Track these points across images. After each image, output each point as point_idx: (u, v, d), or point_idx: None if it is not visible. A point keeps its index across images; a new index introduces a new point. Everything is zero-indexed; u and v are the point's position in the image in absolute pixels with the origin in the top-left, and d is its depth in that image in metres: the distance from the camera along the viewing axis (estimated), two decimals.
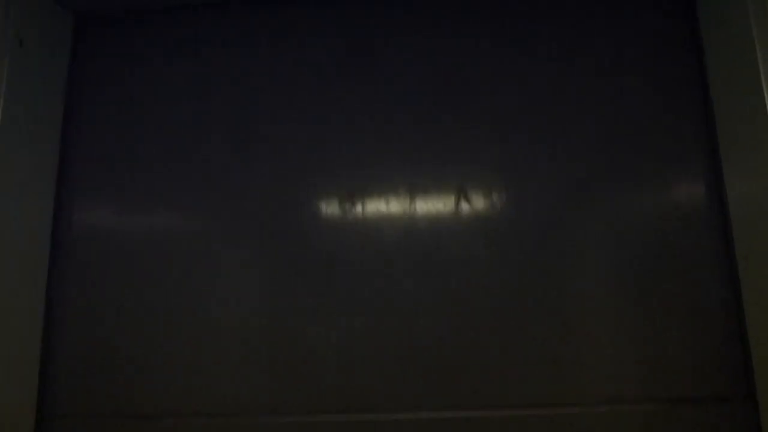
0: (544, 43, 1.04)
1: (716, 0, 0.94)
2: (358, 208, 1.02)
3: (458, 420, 0.92)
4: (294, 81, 1.08)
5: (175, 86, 1.11)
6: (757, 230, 0.84)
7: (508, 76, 1.03)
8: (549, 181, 0.99)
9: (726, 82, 0.91)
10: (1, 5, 0.96)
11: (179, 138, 1.09)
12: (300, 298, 1.00)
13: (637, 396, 0.90)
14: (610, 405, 0.90)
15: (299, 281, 1.00)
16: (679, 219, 0.95)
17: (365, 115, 1.05)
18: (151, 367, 1.00)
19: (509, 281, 0.96)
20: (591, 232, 0.96)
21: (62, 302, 1.05)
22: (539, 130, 1.01)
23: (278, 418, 0.96)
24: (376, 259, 0.99)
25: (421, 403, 0.94)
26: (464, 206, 1.00)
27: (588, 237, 0.96)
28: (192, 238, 1.04)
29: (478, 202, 1.00)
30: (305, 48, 1.10)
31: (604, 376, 0.91)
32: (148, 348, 1.01)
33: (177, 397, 0.98)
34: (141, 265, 1.04)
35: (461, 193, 1.00)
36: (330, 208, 1.03)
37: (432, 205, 1.00)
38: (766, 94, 0.79)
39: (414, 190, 1.02)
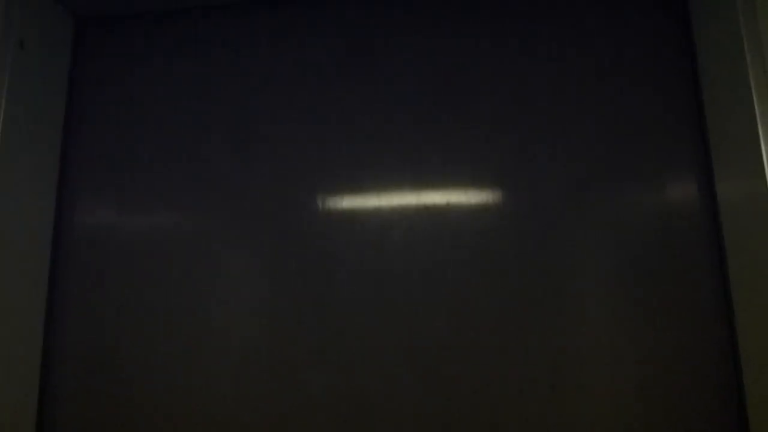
0: (543, 44, 1.03)
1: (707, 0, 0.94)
2: (358, 208, 1.02)
3: (458, 420, 0.92)
4: (294, 81, 1.09)
5: (175, 86, 1.11)
6: (747, 230, 0.83)
7: (508, 76, 1.03)
8: (548, 180, 0.98)
9: (715, 83, 0.92)
10: (2, 7, 0.97)
11: (179, 138, 1.09)
12: (300, 298, 1.00)
13: (636, 396, 0.90)
14: (609, 405, 0.90)
15: (299, 281, 1.00)
16: (679, 219, 0.95)
17: (365, 115, 1.06)
18: (151, 367, 1.00)
19: (509, 281, 0.96)
20: (590, 232, 0.96)
21: (63, 302, 1.05)
22: (539, 130, 1.00)
23: (278, 418, 0.96)
24: (376, 259, 1.00)
25: (420, 403, 0.94)
26: (464, 206, 1.00)
27: (587, 237, 0.96)
28: (192, 238, 1.05)
29: (478, 202, 1.00)
30: (305, 48, 1.10)
31: (603, 376, 0.91)
32: (148, 348, 1.01)
33: (177, 397, 0.99)
34: (141, 265, 1.05)
35: (461, 193, 1.00)
36: (330, 208, 1.03)
37: (432, 205, 1.00)
38: (755, 94, 0.79)
39: (414, 190, 1.02)
